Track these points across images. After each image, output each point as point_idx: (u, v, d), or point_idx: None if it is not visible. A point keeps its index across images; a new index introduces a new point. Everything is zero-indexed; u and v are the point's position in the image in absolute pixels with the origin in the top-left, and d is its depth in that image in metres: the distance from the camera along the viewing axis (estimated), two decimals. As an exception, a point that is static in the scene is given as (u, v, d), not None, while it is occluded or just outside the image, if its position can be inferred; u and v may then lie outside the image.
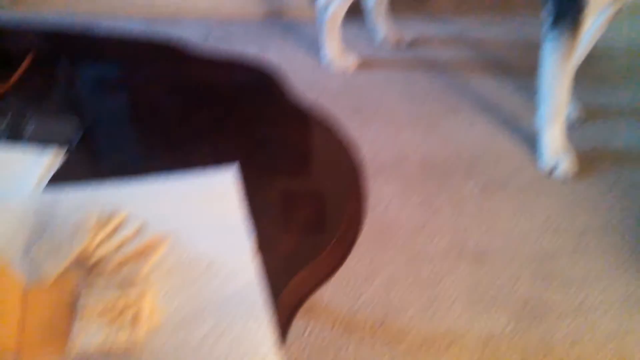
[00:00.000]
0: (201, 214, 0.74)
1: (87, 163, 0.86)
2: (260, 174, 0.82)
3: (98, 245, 0.68)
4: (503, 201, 1.66)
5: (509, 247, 1.51)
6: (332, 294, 1.37)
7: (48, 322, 0.61)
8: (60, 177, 0.81)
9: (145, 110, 0.98)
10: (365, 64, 2.18)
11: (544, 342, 1.28)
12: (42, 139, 0.87)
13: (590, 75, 2.10)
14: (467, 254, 1.49)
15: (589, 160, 1.80)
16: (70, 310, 0.62)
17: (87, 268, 0.66)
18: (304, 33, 2.35)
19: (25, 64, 1.02)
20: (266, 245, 0.71)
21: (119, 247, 0.68)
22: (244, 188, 0.78)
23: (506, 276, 1.43)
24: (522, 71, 2.17)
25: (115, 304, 0.61)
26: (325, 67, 2.17)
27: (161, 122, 0.94)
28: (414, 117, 1.97)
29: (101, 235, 0.69)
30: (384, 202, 1.63)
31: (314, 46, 2.25)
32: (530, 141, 1.85)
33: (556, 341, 1.28)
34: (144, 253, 0.68)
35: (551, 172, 1.76)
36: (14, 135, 0.88)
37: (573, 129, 1.91)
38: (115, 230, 0.70)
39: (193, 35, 2.30)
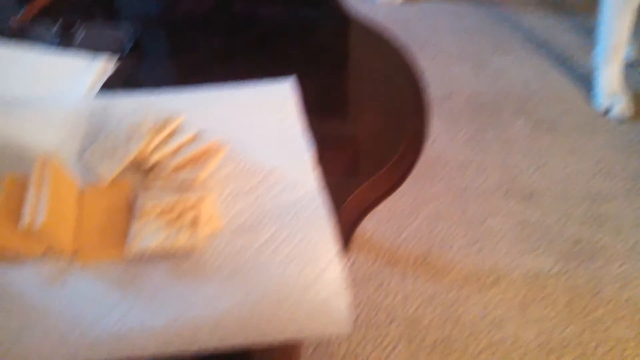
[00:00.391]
0: (259, 124, 0.72)
1: (140, 71, 0.84)
2: (319, 88, 0.78)
3: (154, 150, 0.66)
4: (554, 141, 1.60)
5: (559, 187, 1.46)
6: (376, 226, 1.35)
7: (104, 224, 0.60)
8: (113, 84, 0.79)
9: (201, 19, 0.94)
10: (412, -3, 2.10)
11: (593, 283, 1.25)
12: (94, 46, 0.85)
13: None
14: (515, 192, 1.45)
15: (646, 102, 1.72)
16: (127, 212, 0.61)
17: (143, 172, 0.65)
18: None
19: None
20: (327, 158, 0.68)
21: (176, 152, 0.66)
22: (302, 101, 0.75)
23: (555, 216, 1.39)
24: (577, 8, 2.06)
25: (174, 206, 0.59)
26: (371, -1, 2.10)
27: (218, 32, 0.91)
28: (463, 52, 1.89)
29: (157, 139, 0.66)
30: (431, 137, 1.59)
31: (359, -23, 2.17)
32: (584, 81, 1.77)
33: (605, 283, 1.25)
34: (201, 159, 0.66)
35: (606, 112, 1.69)
36: (65, 42, 0.86)
37: (631, 69, 1.81)
38: (171, 136, 0.67)
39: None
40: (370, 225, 1.35)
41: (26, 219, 0.55)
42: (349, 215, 0.64)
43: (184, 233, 0.57)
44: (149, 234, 0.57)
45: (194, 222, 0.57)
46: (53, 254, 0.57)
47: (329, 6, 0.94)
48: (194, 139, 0.68)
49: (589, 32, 1.71)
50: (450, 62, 1.86)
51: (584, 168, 1.52)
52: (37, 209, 0.56)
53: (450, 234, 1.34)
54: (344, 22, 0.92)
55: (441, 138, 1.59)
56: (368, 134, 0.74)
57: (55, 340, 0.51)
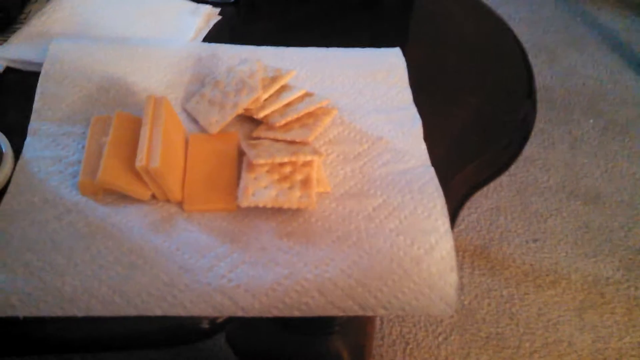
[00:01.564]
0: (368, 90, 0.70)
1: (245, 23, 0.82)
2: (428, 60, 0.76)
3: (264, 103, 0.64)
4: (624, 145, 1.55)
5: (626, 192, 1.42)
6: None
7: (212, 175, 0.59)
8: (218, 35, 0.77)
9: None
10: (487, -19, 2.04)
11: (653, 296, 1.22)
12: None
13: None
14: (580, 193, 1.41)
15: None
16: (235, 164, 0.59)
17: (250, 124, 0.63)
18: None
19: None
20: (435, 132, 0.65)
21: (286, 108, 0.64)
22: (411, 71, 0.72)
23: (619, 222, 1.35)
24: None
25: (285, 164, 0.57)
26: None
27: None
28: (536, 45, 1.84)
29: (268, 93, 0.64)
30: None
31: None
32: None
33: (666, 297, 1.22)
34: (310, 118, 0.64)
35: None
36: None
37: None
38: (281, 91, 0.65)
39: None
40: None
41: (141, 159, 0.53)
42: (455, 193, 0.62)
43: (295, 192, 0.55)
44: (260, 189, 0.55)
45: (306, 182, 0.55)
46: (160, 199, 0.56)
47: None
48: (304, 97, 0.65)
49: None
50: (522, 53, 1.80)
51: (652, 177, 1.48)
52: (151, 151, 0.54)
53: (510, 229, 1.31)
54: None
55: (508, 129, 1.55)
56: (476, 113, 0.71)
57: (159, 288, 0.50)
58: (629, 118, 1.62)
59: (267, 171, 0.56)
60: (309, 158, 0.57)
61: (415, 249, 0.54)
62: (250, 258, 0.53)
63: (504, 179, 1.42)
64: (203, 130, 0.63)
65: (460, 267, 1.22)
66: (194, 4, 0.81)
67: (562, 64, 1.79)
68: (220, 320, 0.51)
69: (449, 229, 0.55)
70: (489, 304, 1.16)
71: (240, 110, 0.63)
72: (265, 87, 0.65)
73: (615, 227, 1.34)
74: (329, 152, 0.62)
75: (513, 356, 1.09)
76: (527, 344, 1.11)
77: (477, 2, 0.87)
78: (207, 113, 0.64)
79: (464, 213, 1.33)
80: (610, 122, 1.60)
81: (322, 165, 0.61)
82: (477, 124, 0.70)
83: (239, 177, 0.58)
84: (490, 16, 0.84)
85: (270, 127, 0.63)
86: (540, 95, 1.66)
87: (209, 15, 0.80)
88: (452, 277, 0.52)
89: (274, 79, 0.67)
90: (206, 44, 0.75)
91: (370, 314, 0.52)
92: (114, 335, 0.51)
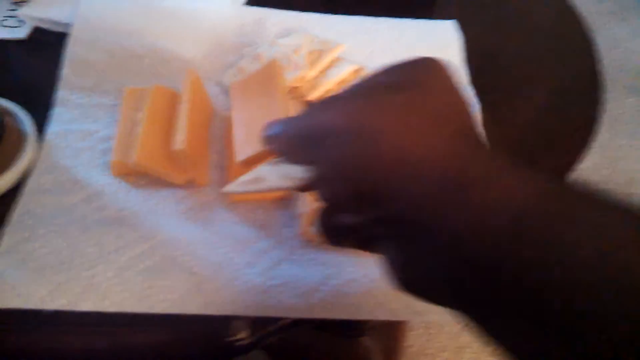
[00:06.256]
0: None
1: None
2: (488, 40, 0.70)
3: (313, 82, 0.59)
4: (663, 127, 1.48)
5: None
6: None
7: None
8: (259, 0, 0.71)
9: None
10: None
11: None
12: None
13: None
14: (614, 177, 1.36)
15: None
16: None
17: (299, 103, 0.58)
18: None
19: None
20: (491, 125, 0.61)
21: (338, 85, 0.59)
22: (468, 49, 0.66)
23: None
24: None
25: None
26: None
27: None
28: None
29: (316, 69, 0.59)
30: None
31: None
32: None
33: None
34: None
35: None
36: None
37: None
38: (329, 66, 0.60)
39: None
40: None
41: (181, 142, 0.49)
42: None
43: None
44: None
45: None
46: (198, 184, 0.52)
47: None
48: (357, 73, 0.60)
49: None
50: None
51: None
52: (183, 132, 0.50)
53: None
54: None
55: (545, 105, 1.49)
56: (537, 109, 0.65)
57: (192, 285, 0.46)
58: (671, 98, 1.56)
59: None
60: None
61: None
62: (292, 255, 0.49)
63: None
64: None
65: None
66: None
67: (605, 35, 1.70)
68: (260, 333, 0.47)
69: None
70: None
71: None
72: (312, 63, 0.60)
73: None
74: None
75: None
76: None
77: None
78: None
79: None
80: (652, 102, 1.54)
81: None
82: (539, 123, 0.65)
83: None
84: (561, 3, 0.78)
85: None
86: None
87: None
88: None
89: (321, 53, 0.61)
90: (249, 8, 0.69)
91: (417, 319, 0.49)
92: (134, 348, 0.47)
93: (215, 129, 0.56)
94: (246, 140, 0.48)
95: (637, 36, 1.71)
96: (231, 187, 0.41)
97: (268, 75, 0.52)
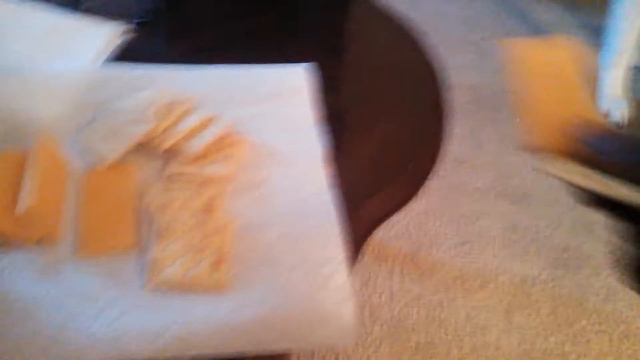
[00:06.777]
0: (271, 112, 0.68)
1: (151, 43, 0.78)
2: (339, 78, 0.74)
3: (165, 131, 0.61)
4: (550, 143, 1.57)
5: (552, 191, 1.44)
6: (366, 218, 1.32)
7: (107, 212, 0.56)
8: (121, 56, 0.74)
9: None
10: (418, -21, 2.04)
11: (578, 293, 1.24)
12: (103, 13, 0.79)
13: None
14: (508, 193, 1.43)
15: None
16: (133, 200, 0.57)
17: (157, 156, 0.60)
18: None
19: None
20: (346, 154, 0.64)
21: (192, 134, 0.61)
22: (320, 91, 0.70)
23: (546, 221, 1.37)
24: (587, 5, 2.02)
25: (197, 228, 0.54)
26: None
27: (238, 12, 0.85)
28: (467, 41, 1.85)
29: (169, 120, 0.61)
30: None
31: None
32: (590, 81, 1.74)
33: (590, 294, 1.24)
34: (223, 149, 0.61)
35: (605, 116, 1.67)
36: (74, 4, 0.80)
37: (635, 74, 1.79)
38: (182, 117, 0.63)
39: None
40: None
41: (23, 202, 0.50)
42: (365, 219, 0.61)
43: (206, 266, 0.52)
44: (169, 264, 0.52)
45: (219, 255, 0.53)
46: (49, 243, 0.53)
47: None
48: (208, 122, 0.63)
49: (597, 30, 1.68)
50: (453, 51, 1.81)
51: (578, 174, 1.50)
52: (30, 192, 0.51)
53: (440, 232, 1.32)
54: (375, 13, 0.86)
55: (438, 131, 1.55)
56: (382, 139, 0.70)
57: (45, 338, 0.48)
58: (555, 115, 1.65)
59: (178, 238, 0.54)
60: (219, 223, 0.55)
61: (311, 282, 0.53)
62: (141, 301, 0.51)
63: (433, 182, 1.42)
64: (99, 162, 0.60)
65: (390, 276, 1.22)
66: (97, 24, 0.77)
67: (494, 59, 1.80)
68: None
69: (344, 259, 0.55)
70: (418, 312, 1.16)
71: (137, 141, 0.60)
72: (164, 115, 0.63)
73: (542, 227, 1.36)
74: (229, 182, 0.60)
75: (442, 363, 1.10)
76: (456, 350, 1.12)
77: (393, 21, 0.86)
78: (103, 144, 0.61)
79: (393, 220, 1.32)
80: (537, 120, 1.63)
81: (223, 196, 0.59)
82: (389, 146, 0.69)
83: (136, 213, 0.56)
84: (407, 35, 0.83)
85: (183, 161, 0.60)
86: (469, 95, 1.68)
87: (114, 34, 0.76)
88: (348, 307, 0.52)
89: (173, 105, 0.64)
90: (107, 67, 0.72)
91: (268, 349, 0.51)
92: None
93: (70, 187, 0.57)
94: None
95: (521, 59, 1.82)
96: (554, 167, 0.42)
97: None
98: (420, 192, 0.67)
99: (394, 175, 0.65)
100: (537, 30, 1.94)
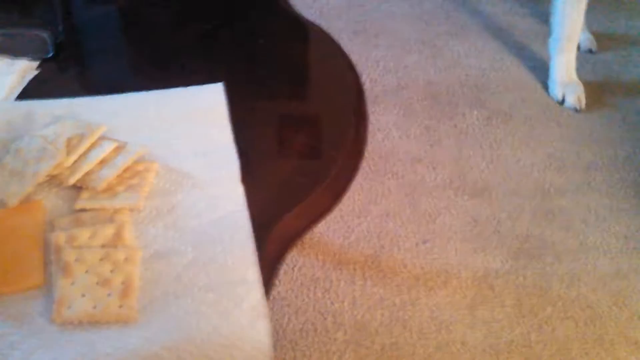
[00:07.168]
0: (185, 133, 0.67)
1: (63, 77, 0.78)
2: (251, 94, 0.74)
3: (73, 166, 0.60)
4: (507, 133, 1.58)
5: (511, 182, 1.45)
6: (324, 227, 1.31)
7: (12, 253, 0.55)
8: (34, 91, 0.73)
9: (128, 22, 0.88)
10: (369, -20, 2.04)
11: (542, 282, 1.24)
12: (13, 49, 0.79)
13: (605, 2, 1.98)
14: (467, 188, 1.43)
15: (600, 91, 1.71)
16: (40, 236, 0.56)
17: (67, 189, 0.60)
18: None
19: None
20: (257, 173, 0.64)
21: (101, 165, 0.61)
22: (233, 108, 0.70)
23: (506, 212, 1.38)
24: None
25: (103, 259, 0.54)
26: (327, -18, 2.03)
27: (145, 36, 0.85)
28: (419, 40, 1.86)
29: (77, 153, 0.61)
30: (383, 131, 1.56)
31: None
32: (542, 69, 1.75)
33: (554, 281, 1.24)
34: (135, 176, 0.61)
35: (561, 102, 1.68)
36: None
37: (585, 58, 1.81)
38: (92, 148, 0.62)
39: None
40: (319, 226, 1.31)
41: None
42: (280, 236, 0.60)
43: (115, 300, 0.52)
44: (76, 298, 0.51)
45: (127, 287, 0.52)
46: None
47: (270, 6, 0.89)
48: (119, 150, 0.62)
49: (548, 18, 1.69)
50: (406, 50, 1.82)
51: (537, 161, 1.51)
52: None
53: (400, 233, 1.32)
54: (284, 22, 0.86)
55: (394, 131, 1.56)
56: (301, 146, 0.69)
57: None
58: (511, 104, 1.66)
59: (86, 271, 0.53)
60: (126, 254, 0.54)
61: (224, 304, 0.53)
62: (47, 341, 0.50)
63: (391, 182, 1.42)
64: (5, 202, 0.59)
65: (352, 281, 1.21)
66: (8, 60, 0.77)
67: (446, 56, 1.81)
68: None
69: (258, 278, 0.55)
70: (382, 315, 1.16)
71: (40, 180, 0.60)
72: (73, 148, 0.62)
73: (503, 218, 1.36)
74: (141, 209, 0.60)
75: (407, 364, 1.09)
76: (421, 350, 1.11)
77: (314, 33, 0.85)
78: (7, 184, 0.60)
79: (353, 223, 1.33)
80: (494, 111, 1.63)
81: (134, 224, 0.58)
82: (305, 156, 0.69)
83: (44, 250, 0.55)
84: (323, 44, 0.83)
85: (93, 193, 0.60)
86: (424, 92, 1.68)
87: (25, 70, 0.76)
88: (263, 325, 0.52)
89: (82, 137, 0.63)
90: (18, 103, 0.71)
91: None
92: None
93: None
94: None
95: (475, 53, 1.83)
96: None
97: None
98: (343, 199, 0.66)
99: (313, 187, 0.65)
100: (488, 22, 1.94)
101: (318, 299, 1.18)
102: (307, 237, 1.28)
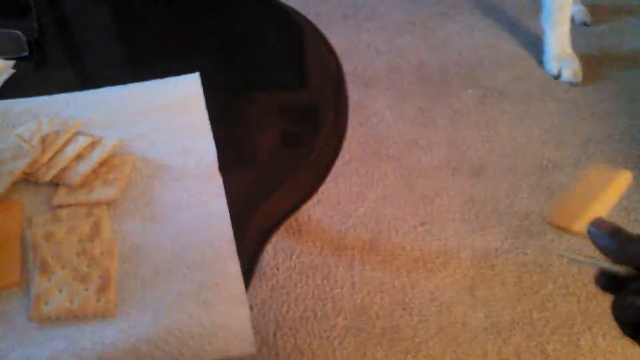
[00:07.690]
0: (163, 124, 0.67)
1: (39, 75, 0.78)
2: (228, 82, 0.73)
3: (49, 163, 0.60)
4: (503, 110, 1.56)
5: (508, 159, 1.43)
6: (322, 213, 1.31)
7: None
8: (11, 91, 0.73)
9: (105, 16, 0.87)
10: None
11: (542, 259, 1.23)
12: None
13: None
14: (464, 168, 1.41)
15: (596, 64, 1.69)
16: (18, 234, 0.56)
17: (44, 186, 0.59)
18: None
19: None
20: (235, 162, 0.63)
21: (77, 160, 0.60)
22: (209, 97, 0.69)
23: (504, 191, 1.36)
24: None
25: (80, 254, 0.53)
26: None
27: (122, 29, 0.84)
28: (410, 21, 1.84)
29: (53, 149, 0.60)
30: (378, 115, 1.54)
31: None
32: (536, 45, 1.73)
33: (554, 258, 1.23)
34: (111, 170, 0.60)
35: (557, 77, 1.66)
36: None
37: (579, 31, 1.78)
38: (67, 143, 0.61)
39: None
40: (316, 212, 1.30)
41: None
42: (260, 225, 0.59)
43: (92, 295, 0.51)
44: (54, 295, 0.51)
45: (105, 282, 0.52)
46: None
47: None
48: (94, 145, 0.62)
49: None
50: (397, 31, 1.80)
51: (534, 137, 1.49)
52: None
53: (397, 216, 1.31)
54: (263, 6, 0.85)
55: (388, 114, 1.54)
56: (279, 134, 0.68)
57: None
58: (505, 81, 1.64)
59: (62, 267, 0.53)
60: (103, 248, 0.54)
61: (204, 294, 0.52)
62: (26, 338, 0.50)
63: (387, 166, 1.41)
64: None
65: (351, 266, 1.21)
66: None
67: (438, 36, 1.79)
68: None
69: (237, 267, 0.54)
70: (381, 298, 1.15)
71: (16, 178, 0.59)
72: (49, 144, 0.61)
73: (501, 196, 1.35)
74: (119, 203, 0.59)
75: (409, 347, 1.08)
76: (422, 332, 1.11)
77: (292, 18, 0.84)
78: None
79: (350, 208, 1.32)
80: (488, 90, 1.62)
81: (112, 218, 0.57)
82: (283, 144, 0.68)
83: (22, 249, 0.55)
84: (301, 30, 0.82)
85: (70, 189, 0.59)
86: (417, 73, 1.67)
87: (1, 70, 0.75)
88: (243, 312, 0.51)
89: (58, 134, 0.63)
90: (-7, 104, 0.70)
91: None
92: None
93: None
94: None
95: (466, 32, 1.80)
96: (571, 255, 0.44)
97: None
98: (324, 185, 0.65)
99: (291, 173, 0.64)
100: (479, 1, 1.92)
101: (317, 285, 1.17)
102: (306, 224, 1.28)
